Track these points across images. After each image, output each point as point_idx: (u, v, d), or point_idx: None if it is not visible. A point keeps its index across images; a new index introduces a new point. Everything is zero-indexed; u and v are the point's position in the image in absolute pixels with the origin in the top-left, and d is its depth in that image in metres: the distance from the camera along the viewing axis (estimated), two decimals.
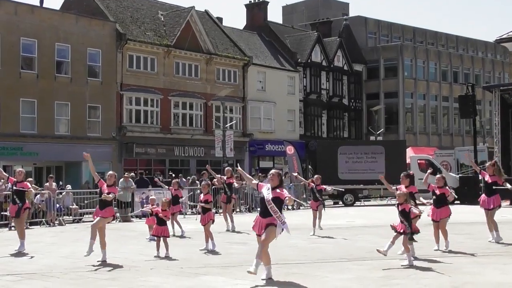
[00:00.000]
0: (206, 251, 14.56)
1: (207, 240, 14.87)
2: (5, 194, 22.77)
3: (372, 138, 50.30)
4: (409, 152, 42.79)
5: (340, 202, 37.54)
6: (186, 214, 26.84)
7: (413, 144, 55.33)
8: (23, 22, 36.12)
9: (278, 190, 10.50)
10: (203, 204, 15.40)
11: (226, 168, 23.27)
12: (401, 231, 12.16)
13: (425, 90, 64.32)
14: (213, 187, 23.73)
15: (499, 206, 15.73)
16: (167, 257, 13.60)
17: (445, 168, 39.30)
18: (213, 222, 15.23)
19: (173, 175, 34.70)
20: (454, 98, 59.85)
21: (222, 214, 21.39)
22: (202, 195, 15.83)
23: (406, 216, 12.18)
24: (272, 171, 10.88)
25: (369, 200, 40.49)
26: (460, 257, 13.10)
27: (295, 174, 32.01)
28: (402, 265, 11.89)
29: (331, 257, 13.35)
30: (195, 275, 11.32)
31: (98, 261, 12.87)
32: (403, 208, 12.21)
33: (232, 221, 20.41)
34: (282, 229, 10.46)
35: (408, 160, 38.11)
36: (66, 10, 41.29)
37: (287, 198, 10.52)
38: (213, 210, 16.22)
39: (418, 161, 37.84)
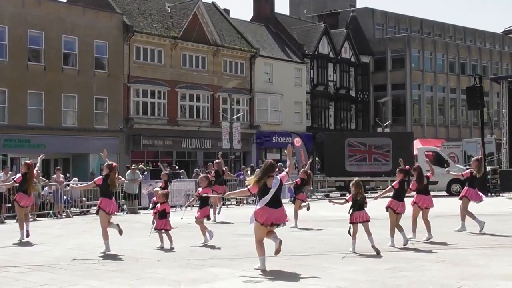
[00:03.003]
0: (206, 244, 14.46)
1: (204, 234, 14.69)
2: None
3: (379, 130, 50.22)
4: (417, 144, 42.72)
5: (347, 194, 37.48)
6: (193, 206, 26.77)
7: (420, 136, 55.28)
8: (30, 15, 36.17)
9: None
10: (209, 195, 15.31)
11: (216, 161, 23.37)
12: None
13: (432, 81, 64.15)
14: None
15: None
16: (172, 249, 13.62)
17: (453, 160, 39.21)
18: (208, 219, 15.18)
19: (177, 167, 34.79)
20: (462, 90, 59.70)
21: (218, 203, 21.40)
22: (200, 189, 15.65)
23: (353, 205, 12.70)
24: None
25: (376, 192, 40.39)
26: (467, 249, 13.08)
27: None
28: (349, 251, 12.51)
29: (338, 249, 13.35)
30: (202, 266, 11.34)
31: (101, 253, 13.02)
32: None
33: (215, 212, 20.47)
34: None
35: (415, 152, 38.04)
36: (73, 2, 41.31)
37: None
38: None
39: (426, 153, 37.69)
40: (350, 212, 12.62)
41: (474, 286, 9.24)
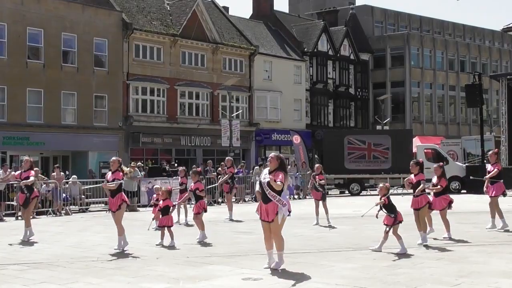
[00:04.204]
0: (202, 240, 14.42)
1: (201, 229, 14.70)
2: (11, 183, 22.81)
3: (378, 127, 50.22)
4: (416, 141, 42.73)
5: (346, 192, 37.52)
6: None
7: (419, 133, 55.26)
8: (29, 12, 36.11)
9: (276, 173, 10.36)
10: (199, 193, 15.28)
11: (227, 158, 23.28)
12: (389, 223, 12.38)
13: (431, 79, 64.11)
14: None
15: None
16: (171, 246, 13.62)
17: (452, 157, 39.23)
18: (205, 211, 15.11)
19: (175, 164, 34.77)
20: (461, 87, 59.64)
21: (226, 203, 21.52)
22: (192, 184, 15.66)
23: (389, 208, 12.41)
24: (272, 154, 10.85)
25: (375, 190, 40.44)
26: (466, 246, 13.09)
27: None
28: (394, 253, 12.06)
29: (337, 247, 13.36)
30: (201, 264, 11.34)
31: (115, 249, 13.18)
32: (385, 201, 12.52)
33: (230, 209, 20.51)
34: (289, 212, 10.48)
35: (414, 149, 38.06)
36: (72, 0, 41.23)
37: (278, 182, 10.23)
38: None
39: (425, 150, 37.75)
40: (394, 214, 12.36)
41: (473, 283, 9.23)
